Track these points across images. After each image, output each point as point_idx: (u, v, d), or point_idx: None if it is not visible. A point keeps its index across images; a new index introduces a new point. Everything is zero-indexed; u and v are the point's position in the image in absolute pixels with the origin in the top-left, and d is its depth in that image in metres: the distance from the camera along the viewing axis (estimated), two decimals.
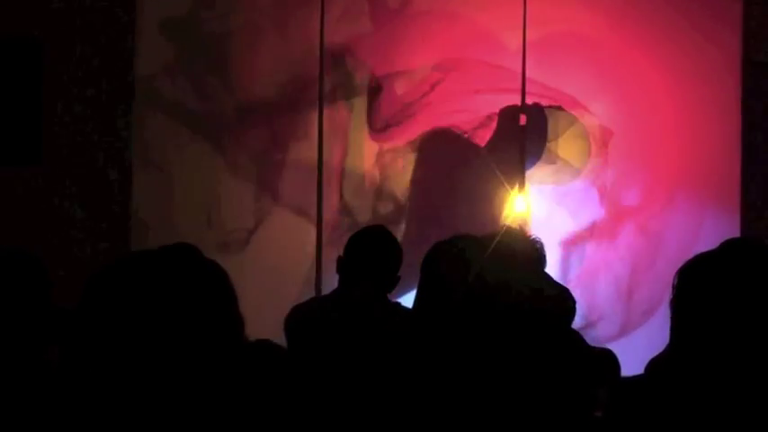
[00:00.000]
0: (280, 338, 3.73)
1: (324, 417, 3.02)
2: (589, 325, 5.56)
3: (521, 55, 5.69)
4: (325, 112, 5.78)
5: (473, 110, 5.83)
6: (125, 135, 5.75)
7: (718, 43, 5.65)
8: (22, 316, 2.71)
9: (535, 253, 3.90)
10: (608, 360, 3.56)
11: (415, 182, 5.86)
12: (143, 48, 5.78)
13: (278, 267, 5.74)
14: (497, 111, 5.79)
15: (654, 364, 2.48)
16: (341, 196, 5.85)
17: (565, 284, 4.02)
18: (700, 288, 2.36)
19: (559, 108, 5.70)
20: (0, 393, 2.47)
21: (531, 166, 5.72)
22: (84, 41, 5.67)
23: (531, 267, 3.76)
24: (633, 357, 4.12)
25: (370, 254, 3.84)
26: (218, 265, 2.00)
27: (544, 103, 5.74)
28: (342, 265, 3.87)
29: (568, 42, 5.72)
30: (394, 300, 3.95)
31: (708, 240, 2.76)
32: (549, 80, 5.73)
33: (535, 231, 4.77)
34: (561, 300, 3.36)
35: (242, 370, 2.07)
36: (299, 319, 3.88)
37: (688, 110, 5.70)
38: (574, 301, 3.41)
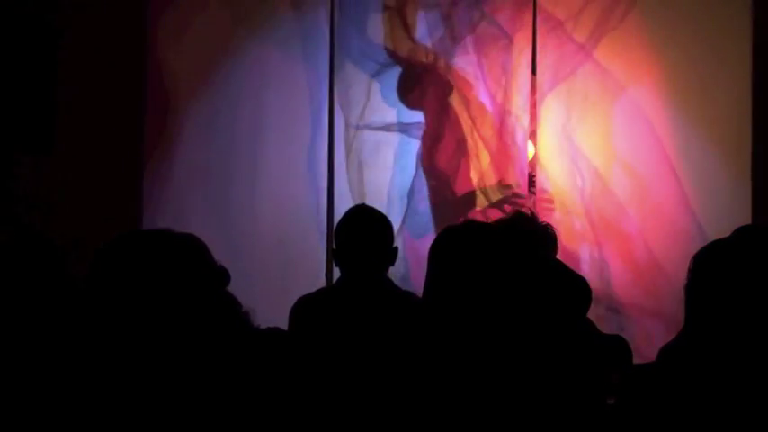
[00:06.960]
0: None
1: (330, 407, 3.02)
2: None
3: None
4: None
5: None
6: (139, 125, 5.76)
7: (727, 27, 5.63)
8: (36, 297, 2.74)
9: (548, 239, 3.90)
10: (620, 347, 3.56)
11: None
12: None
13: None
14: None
15: (666, 351, 2.48)
16: None
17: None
18: (714, 275, 2.37)
19: None
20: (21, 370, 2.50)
21: None
22: (100, 29, 5.65)
23: (545, 253, 3.76)
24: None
25: (361, 236, 3.75)
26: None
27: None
28: (337, 256, 3.81)
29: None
30: None
31: (719, 228, 2.75)
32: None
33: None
34: (576, 288, 3.35)
35: (249, 355, 2.11)
36: (304, 308, 3.85)
37: (698, 93, 5.68)
38: (590, 290, 3.40)
